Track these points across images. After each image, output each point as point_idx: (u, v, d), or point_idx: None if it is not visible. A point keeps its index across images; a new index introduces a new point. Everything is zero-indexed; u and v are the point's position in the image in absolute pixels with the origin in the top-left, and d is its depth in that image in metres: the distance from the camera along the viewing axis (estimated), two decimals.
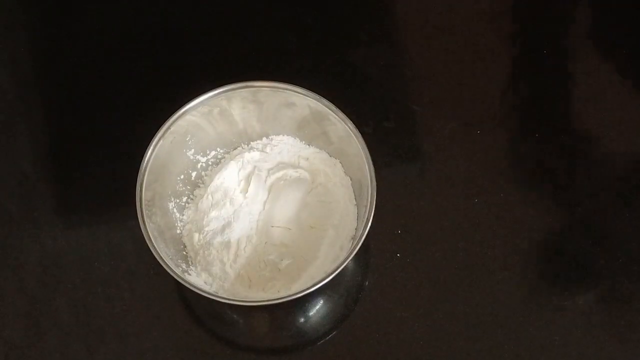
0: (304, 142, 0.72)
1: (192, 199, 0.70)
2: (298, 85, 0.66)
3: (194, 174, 0.71)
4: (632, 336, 0.68)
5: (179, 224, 0.69)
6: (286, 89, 0.67)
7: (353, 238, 0.67)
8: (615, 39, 0.79)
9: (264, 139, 0.72)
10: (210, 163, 0.72)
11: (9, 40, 0.81)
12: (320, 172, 0.70)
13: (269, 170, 0.71)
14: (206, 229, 0.68)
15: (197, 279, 0.66)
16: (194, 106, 0.66)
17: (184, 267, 0.66)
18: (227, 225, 0.68)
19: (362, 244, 0.62)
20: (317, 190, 0.70)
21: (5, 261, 0.72)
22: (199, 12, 0.81)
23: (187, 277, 0.64)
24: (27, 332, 0.69)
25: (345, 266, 0.62)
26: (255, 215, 0.69)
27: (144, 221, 0.64)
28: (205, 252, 0.68)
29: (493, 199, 0.72)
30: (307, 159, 0.71)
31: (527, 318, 0.69)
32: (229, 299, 0.63)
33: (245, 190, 0.70)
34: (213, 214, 0.69)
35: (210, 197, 0.70)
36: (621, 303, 0.69)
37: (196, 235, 0.68)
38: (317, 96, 0.66)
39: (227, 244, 0.68)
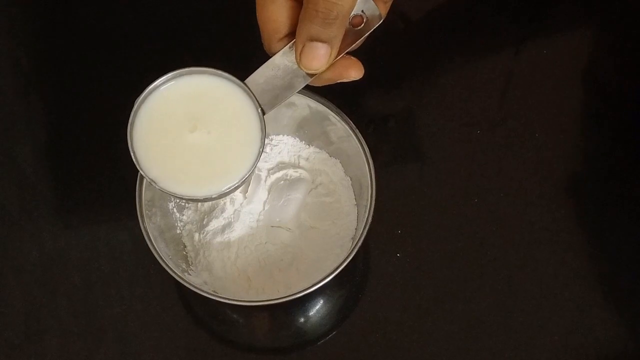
0: (304, 142, 0.72)
1: None
2: None
3: None
4: None
5: (179, 224, 0.69)
6: None
7: (353, 238, 0.67)
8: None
9: None
10: None
11: (9, 40, 0.81)
12: (320, 172, 0.70)
13: (269, 170, 0.70)
14: (206, 229, 0.68)
15: (197, 279, 0.66)
16: None
17: (184, 267, 0.66)
18: (227, 226, 0.68)
19: (362, 244, 0.62)
20: (317, 190, 0.70)
21: (5, 261, 0.72)
22: (200, 12, 0.81)
23: (187, 277, 0.64)
24: (27, 332, 0.69)
25: (345, 266, 0.62)
26: (255, 215, 0.69)
27: (144, 221, 0.64)
28: (205, 252, 0.68)
29: (493, 199, 0.73)
30: (307, 159, 0.71)
31: (527, 318, 0.69)
32: (229, 299, 0.63)
33: (245, 190, 0.70)
34: (213, 214, 0.69)
35: None
36: None
37: (196, 235, 0.69)
38: (317, 96, 0.66)
39: (227, 244, 0.68)
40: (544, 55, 0.78)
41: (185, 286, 0.62)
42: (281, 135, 0.72)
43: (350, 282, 0.71)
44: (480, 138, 0.75)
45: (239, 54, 0.78)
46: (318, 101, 0.66)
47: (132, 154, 0.57)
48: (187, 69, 0.57)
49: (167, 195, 0.68)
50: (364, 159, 0.65)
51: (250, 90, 0.57)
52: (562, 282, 0.70)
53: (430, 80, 0.78)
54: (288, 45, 0.55)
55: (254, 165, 0.57)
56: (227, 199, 0.69)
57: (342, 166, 0.70)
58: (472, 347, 0.68)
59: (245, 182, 0.58)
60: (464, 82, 0.78)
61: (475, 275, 0.70)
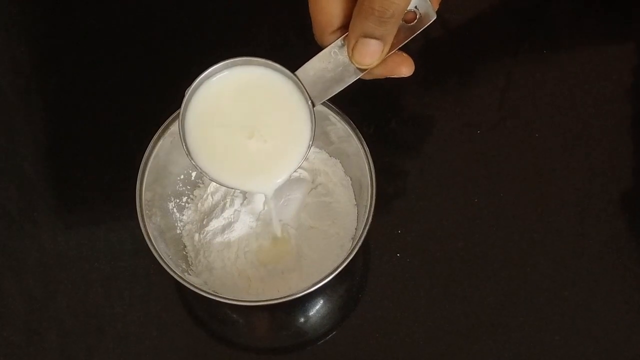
0: None
1: (192, 199, 0.70)
2: None
3: (194, 174, 0.71)
4: None
5: (179, 224, 0.69)
6: None
7: (353, 238, 0.67)
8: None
9: None
10: None
11: (9, 40, 0.81)
12: (320, 172, 0.70)
13: None
14: (206, 229, 0.68)
15: (197, 279, 0.66)
16: None
17: (184, 267, 0.66)
18: (227, 226, 0.68)
19: (362, 244, 0.62)
20: (317, 190, 0.70)
21: (5, 261, 0.72)
22: (199, 13, 0.81)
23: (187, 277, 0.64)
24: (27, 332, 0.69)
25: (345, 266, 0.62)
26: (255, 215, 0.69)
27: (144, 221, 0.64)
28: (205, 252, 0.68)
29: (493, 199, 0.72)
30: (307, 159, 0.71)
31: (527, 318, 0.69)
32: (229, 299, 0.63)
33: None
34: (213, 214, 0.69)
35: (210, 197, 0.70)
36: None
37: (196, 236, 0.69)
38: None
39: (227, 244, 0.68)
40: (544, 55, 0.78)
41: (185, 286, 0.62)
42: None
43: (350, 282, 0.71)
44: (480, 138, 0.75)
45: (239, 54, 0.79)
46: None
47: (183, 145, 0.57)
48: (236, 59, 0.57)
49: (167, 195, 0.68)
50: (364, 159, 0.65)
51: (301, 82, 0.57)
52: (562, 282, 0.70)
53: (430, 81, 0.78)
54: (340, 38, 0.55)
55: (305, 156, 0.58)
56: (227, 199, 0.69)
57: (342, 166, 0.70)
58: (472, 347, 0.68)
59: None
60: (464, 82, 0.78)
61: (475, 275, 0.70)
